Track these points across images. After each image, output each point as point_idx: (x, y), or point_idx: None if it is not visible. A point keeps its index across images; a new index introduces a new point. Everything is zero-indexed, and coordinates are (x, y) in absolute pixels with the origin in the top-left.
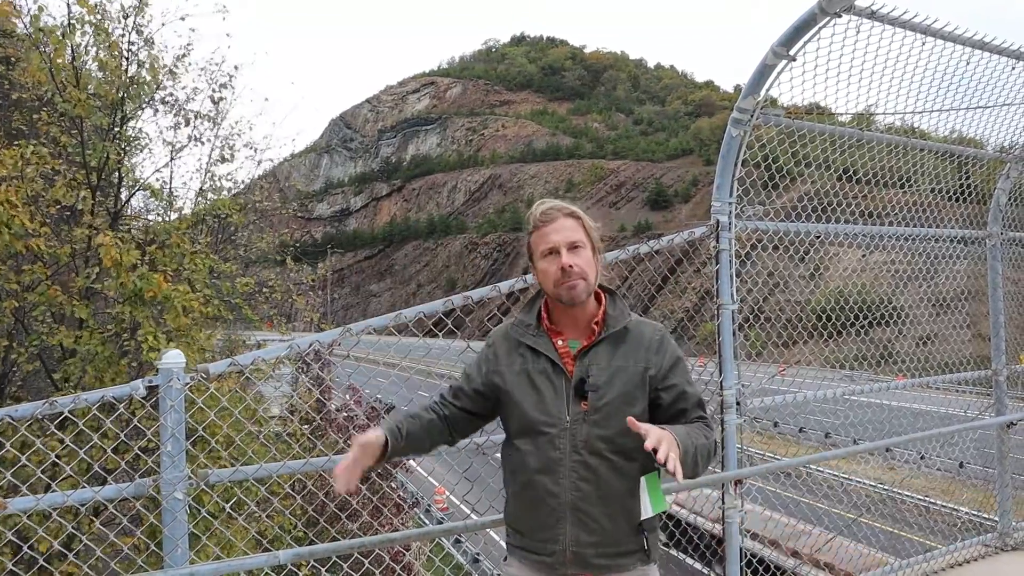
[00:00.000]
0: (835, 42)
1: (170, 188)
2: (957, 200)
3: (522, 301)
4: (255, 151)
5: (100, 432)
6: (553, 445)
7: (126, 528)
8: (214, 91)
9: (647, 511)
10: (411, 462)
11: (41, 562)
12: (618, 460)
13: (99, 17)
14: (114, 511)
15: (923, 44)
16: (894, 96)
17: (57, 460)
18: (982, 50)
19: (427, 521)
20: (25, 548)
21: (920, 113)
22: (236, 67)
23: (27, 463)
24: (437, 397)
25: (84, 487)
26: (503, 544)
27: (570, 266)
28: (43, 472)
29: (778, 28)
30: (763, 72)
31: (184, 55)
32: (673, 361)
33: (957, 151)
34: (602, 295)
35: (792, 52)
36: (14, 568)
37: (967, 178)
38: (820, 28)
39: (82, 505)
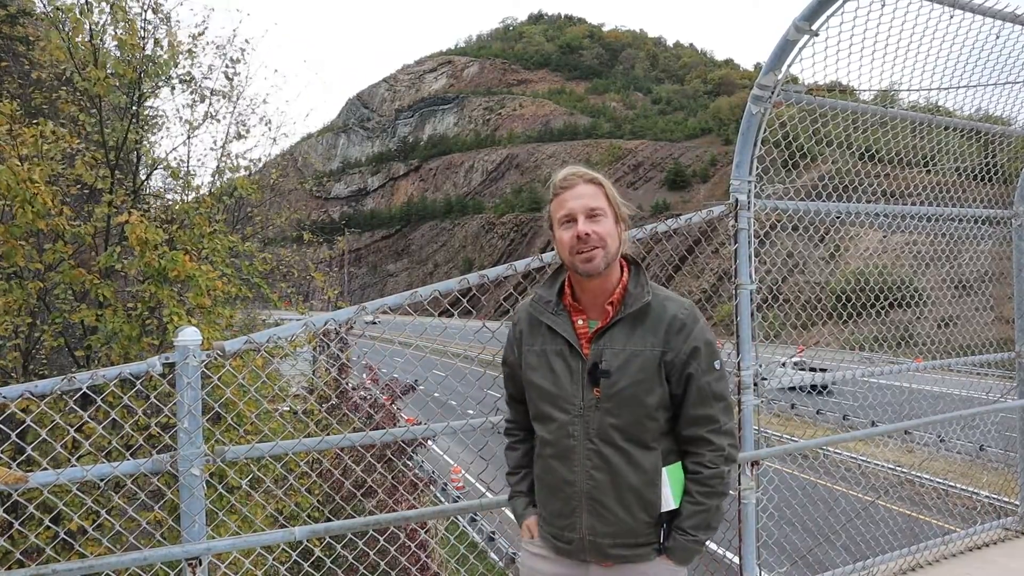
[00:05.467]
0: (859, 16)
1: (187, 167)
2: (982, 180)
3: (540, 279)
4: (269, 127)
5: (119, 408)
6: (566, 432)
7: (146, 504)
8: (227, 66)
9: (668, 504)
10: (428, 441)
11: (62, 535)
12: (633, 450)
13: None
14: (133, 487)
15: (951, 17)
16: (919, 73)
17: (77, 436)
18: (1013, 23)
19: (443, 499)
20: (47, 521)
21: (946, 90)
22: (247, 41)
23: (47, 438)
24: (505, 413)
25: (103, 462)
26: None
27: (587, 234)
28: (64, 447)
29: (801, 3)
30: (784, 48)
31: (200, 33)
32: (693, 348)
33: (983, 129)
34: (626, 268)
35: (815, 27)
36: (37, 541)
37: (992, 157)
38: (844, 2)
39: (102, 480)
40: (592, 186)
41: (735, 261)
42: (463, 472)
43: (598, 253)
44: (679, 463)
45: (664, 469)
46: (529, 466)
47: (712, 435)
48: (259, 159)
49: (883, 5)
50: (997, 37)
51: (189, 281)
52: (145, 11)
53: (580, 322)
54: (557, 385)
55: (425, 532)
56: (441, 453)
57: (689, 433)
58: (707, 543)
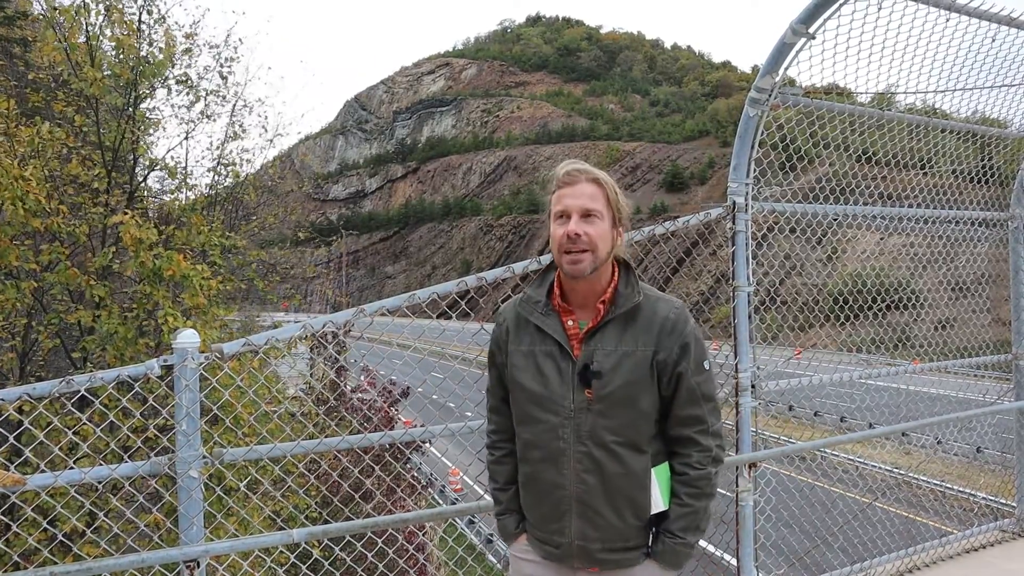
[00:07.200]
0: (856, 19)
1: (185, 166)
2: (978, 182)
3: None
4: (265, 127)
5: (116, 410)
6: (556, 434)
7: (144, 506)
8: (222, 65)
9: (658, 505)
10: (425, 443)
11: (60, 538)
12: (625, 453)
13: None
14: (131, 489)
15: (947, 20)
16: (915, 75)
17: (75, 438)
18: (1009, 26)
19: (441, 502)
20: (45, 524)
21: (942, 92)
22: (241, 40)
23: (45, 441)
24: (488, 417)
25: (101, 465)
26: None
27: (577, 234)
28: (62, 450)
29: (798, 6)
30: (781, 51)
31: (195, 33)
32: (683, 346)
33: (979, 131)
34: (617, 269)
35: (811, 30)
36: (34, 543)
37: (989, 159)
38: (840, 5)
39: (100, 483)
40: (593, 186)
41: (733, 263)
42: (461, 474)
43: (586, 256)
44: (667, 463)
45: (652, 470)
46: (513, 480)
47: (700, 436)
48: (253, 153)
49: (879, 8)
50: (993, 40)
51: (184, 281)
52: (141, 12)
53: (570, 323)
54: (547, 387)
55: (423, 534)
56: (439, 455)
57: (677, 433)
58: (696, 546)
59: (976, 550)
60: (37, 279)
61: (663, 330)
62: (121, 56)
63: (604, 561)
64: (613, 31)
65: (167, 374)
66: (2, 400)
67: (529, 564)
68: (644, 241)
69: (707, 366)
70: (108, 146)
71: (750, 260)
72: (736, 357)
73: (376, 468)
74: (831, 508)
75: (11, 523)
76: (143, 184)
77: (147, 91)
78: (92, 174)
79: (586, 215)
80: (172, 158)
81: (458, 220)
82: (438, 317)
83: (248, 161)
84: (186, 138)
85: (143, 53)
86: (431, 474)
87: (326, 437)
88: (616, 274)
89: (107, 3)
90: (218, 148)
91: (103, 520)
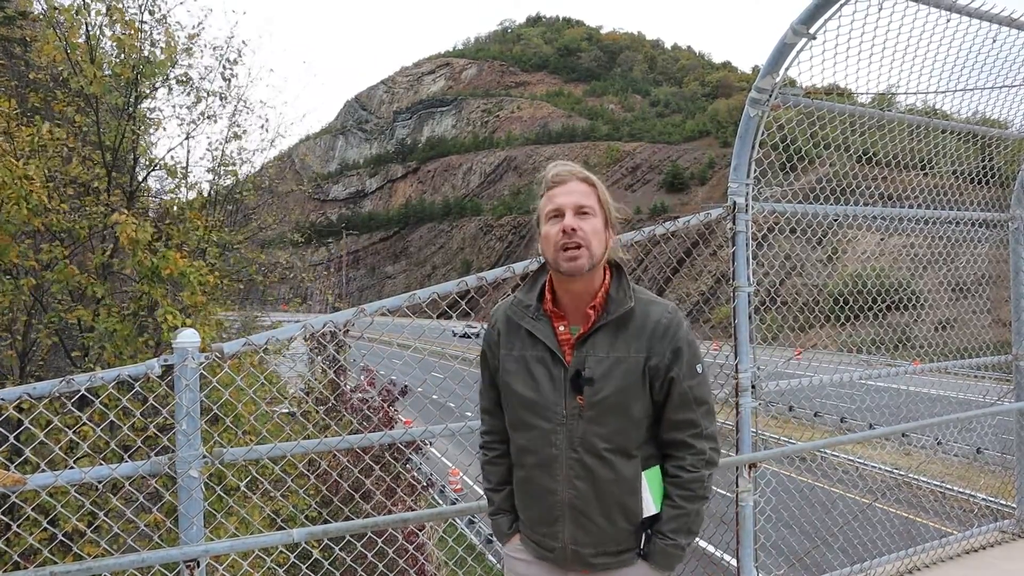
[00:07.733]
0: (856, 20)
1: (185, 166)
2: (979, 182)
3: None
4: (266, 127)
5: (117, 410)
6: (549, 441)
7: (144, 506)
8: (224, 67)
9: (649, 509)
10: (426, 444)
11: (60, 537)
12: (617, 459)
13: None
14: (131, 489)
15: (947, 21)
16: (916, 76)
17: (75, 438)
18: (1010, 27)
19: (441, 502)
20: (46, 524)
21: (943, 93)
22: (244, 42)
23: (45, 440)
24: (481, 418)
25: (101, 464)
26: None
27: (573, 229)
28: (62, 449)
29: (798, 6)
30: (782, 51)
31: (197, 34)
32: (675, 350)
33: (980, 132)
34: (608, 272)
35: (812, 30)
36: (34, 543)
37: (989, 160)
38: (841, 6)
39: (100, 482)
40: (585, 185)
41: (733, 263)
42: (461, 475)
43: (583, 252)
44: (658, 467)
45: (643, 474)
46: (512, 481)
47: (693, 439)
48: (253, 153)
49: (880, 9)
50: (994, 41)
51: (182, 279)
52: (142, 12)
53: (561, 328)
54: (539, 393)
55: (423, 534)
56: (439, 455)
57: (670, 437)
58: (688, 548)
59: (976, 551)
60: (36, 277)
61: (655, 335)
62: (122, 56)
63: (596, 564)
64: (613, 31)
65: (167, 373)
66: (2, 400)
67: (522, 563)
68: (644, 241)
69: (700, 370)
70: (108, 146)
71: (750, 260)
72: (736, 357)
73: (376, 468)
74: (831, 508)
75: (11, 523)
76: (143, 184)
77: (148, 91)
78: (92, 174)
79: (580, 211)
80: (172, 158)
81: (458, 220)
82: (438, 317)
83: (248, 162)
84: (187, 138)
85: (144, 53)
86: (431, 474)
87: (326, 437)
88: (608, 277)
89: (108, 3)
90: (218, 149)
91: (103, 520)
